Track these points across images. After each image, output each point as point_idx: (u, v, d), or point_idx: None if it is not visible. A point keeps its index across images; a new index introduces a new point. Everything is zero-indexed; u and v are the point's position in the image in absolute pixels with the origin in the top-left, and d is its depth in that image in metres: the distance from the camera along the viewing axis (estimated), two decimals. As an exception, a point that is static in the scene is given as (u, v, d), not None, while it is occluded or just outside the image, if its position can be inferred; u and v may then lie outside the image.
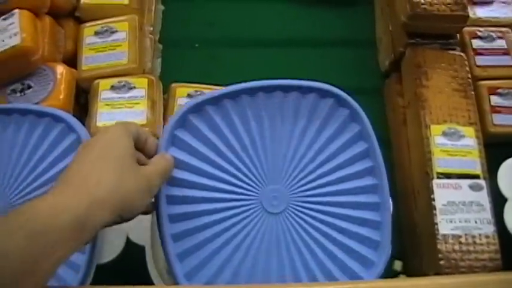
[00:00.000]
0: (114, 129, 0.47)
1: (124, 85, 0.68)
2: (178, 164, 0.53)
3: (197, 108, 0.55)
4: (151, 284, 0.58)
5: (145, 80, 0.68)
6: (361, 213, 0.55)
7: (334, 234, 0.54)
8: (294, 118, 0.56)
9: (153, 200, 0.51)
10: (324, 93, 0.56)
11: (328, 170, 0.55)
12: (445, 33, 0.72)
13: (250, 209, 0.54)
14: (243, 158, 0.55)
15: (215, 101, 0.55)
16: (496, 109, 0.71)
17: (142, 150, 0.50)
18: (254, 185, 0.54)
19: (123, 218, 0.45)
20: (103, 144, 0.45)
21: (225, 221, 0.53)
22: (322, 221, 0.54)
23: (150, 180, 0.47)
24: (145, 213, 0.51)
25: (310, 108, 0.56)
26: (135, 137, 0.48)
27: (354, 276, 0.52)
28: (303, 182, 0.55)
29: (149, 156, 0.51)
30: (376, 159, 0.55)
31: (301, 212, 0.54)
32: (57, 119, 0.57)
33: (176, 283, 0.51)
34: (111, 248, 0.61)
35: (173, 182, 0.53)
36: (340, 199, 0.55)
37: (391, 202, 0.55)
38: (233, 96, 0.55)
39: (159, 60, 0.76)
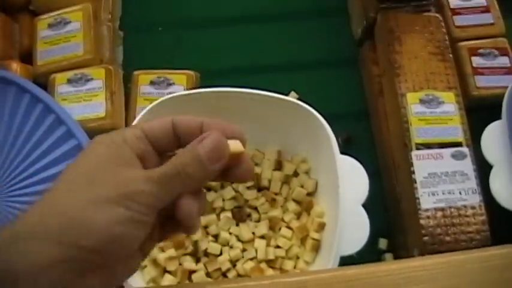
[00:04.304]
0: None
1: (81, 77, 0.64)
2: None
3: None
4: None
5: (103, 71, 0.65)
6: None
7: None
8: (10, 116, 0.57)
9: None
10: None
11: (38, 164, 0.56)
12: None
13: None
14: None
15: None
16: (478, 71, 0.67)
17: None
18: None
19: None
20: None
21: None
22: None
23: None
24: None
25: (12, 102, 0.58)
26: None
27: None
28: (17, 179, 0.56)
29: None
30: (79, 137, 0.56)
31: (14, 207, 0.55)
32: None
33: None
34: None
35: None
36: None
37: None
38: None
39: (121, 48, 0.73)
